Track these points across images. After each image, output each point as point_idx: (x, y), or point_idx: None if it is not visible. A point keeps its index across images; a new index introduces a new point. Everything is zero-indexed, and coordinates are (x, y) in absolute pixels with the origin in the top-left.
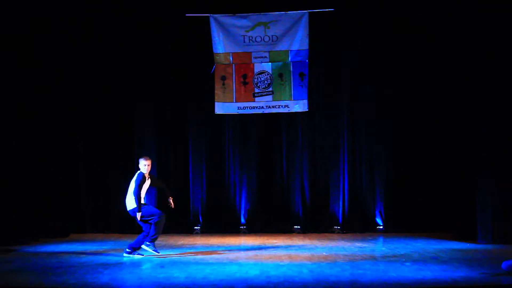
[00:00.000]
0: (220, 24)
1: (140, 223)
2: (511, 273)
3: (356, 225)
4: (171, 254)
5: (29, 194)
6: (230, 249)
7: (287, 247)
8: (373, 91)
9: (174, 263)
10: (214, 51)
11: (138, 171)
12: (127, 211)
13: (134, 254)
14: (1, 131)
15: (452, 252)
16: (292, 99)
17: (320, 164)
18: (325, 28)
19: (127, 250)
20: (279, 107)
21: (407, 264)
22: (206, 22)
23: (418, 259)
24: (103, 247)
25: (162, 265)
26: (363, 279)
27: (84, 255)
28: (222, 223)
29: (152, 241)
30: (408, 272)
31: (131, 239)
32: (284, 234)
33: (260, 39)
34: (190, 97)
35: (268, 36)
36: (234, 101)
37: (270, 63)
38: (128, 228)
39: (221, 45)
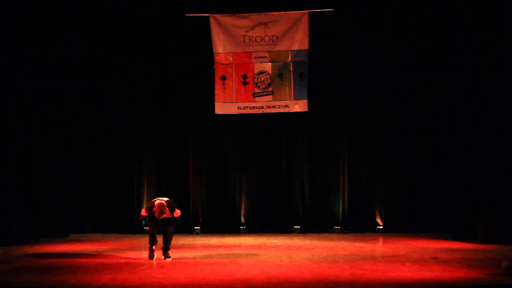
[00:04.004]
0: (220, 24)
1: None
2: (511, 274)
3: (356, 225)
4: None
5: (29, 194)
6: (230, 249)
7: (287, 247)
8: (373, 90)
9: (174, 264)
10: (214, 51)
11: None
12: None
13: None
14: (1, 131)
15: (452, 252)
16: (292, 99)
17: (320, 164)
18: (325, 28)
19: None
20: (279, 107)
21: (407, 264)
22: (206, 22)
23: (418, 259)
24: (103, 247)
25: (162, 265)
26: (363, 279)
27: (84, 255)
28: (222, 223)
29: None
30: (408, 272)
31: (131, 239)
32: (284, 234)
33: (260, 39)
34: (190, 97)
35: (268, 36)
36: (234, 101)
37: (270, 63)
38: (128, 228)
39: (221, 45)
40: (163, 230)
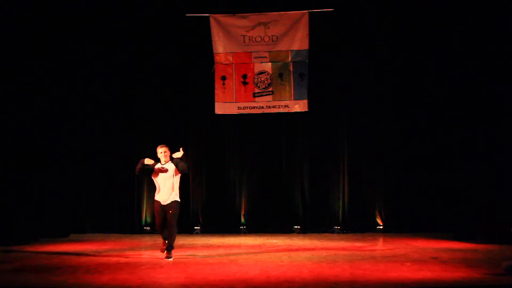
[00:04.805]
0: (220, 24)
1: None
2: (511, 274)
3: (356, 225)
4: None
5: (29, 194)
6: (230, 249)
7: (287, 247)
8: (373, 90)
9: (174, 264)
10: (214, 51)
11: None
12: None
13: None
14: (1, 132)
15: (452, 252)
16: (292, 99)
17: (320, 164)
18: (325, 28)
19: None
20: (279, 107)
21: (407, 264)
22: (206, 22)
23: (418, 259)
24: (103, 247)
25: (162, 265)
26: (363, 279)
27: (84, 255)
28: (222, 223)
29: None
30: (408, 272)
31: (131, 239)
32: (284, 234)
33: (260, 39)
34: (190, 97)
35: (268, 36)
36: (234, 101)
37: (270, 63)
38: (128, 228)
39: (221, 45)
40: (168, 225)
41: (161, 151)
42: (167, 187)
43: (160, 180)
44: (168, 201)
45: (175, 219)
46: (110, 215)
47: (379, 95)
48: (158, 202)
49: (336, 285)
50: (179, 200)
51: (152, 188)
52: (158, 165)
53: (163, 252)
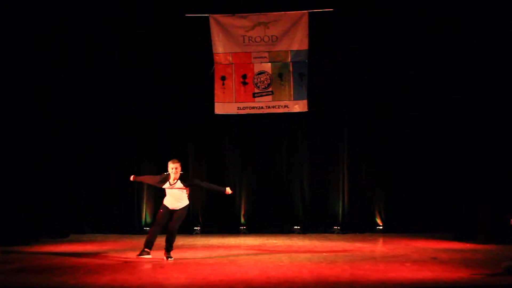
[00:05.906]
0: (220, 24)
1: None
2: (511, 274)
3: (356, 225)
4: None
5: (29, 194)
6: (230, 249)
7: (287, 248)
8: (373, 90)
9: (174, 264)
10: (214, 51)
11: None
12: None
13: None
14: (1, 131)
15: (452, 252)
16: (292, 99)
17: (320, 164)
18: (325, 28)
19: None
20: (278, 107)
21: (407, 264)
22: (206, 22)
23: (418, 259)
24: (103, 247)
25: (162, 266)
26: (363, 279)
27: (84, 255)
28: (222, 223)
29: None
30: (408, 272)
31: (131, 240)
32: (284, 234)
33: (260, 39)
34: (190, 97)
35: (268, 36)
36: (234, 101)
37: (269, 63)
38: (128, 228)
39: (221, 45)
40: (169, 227)
41: (172, 167)
42: (175, 198)
43: (168, 193)
44: (176, 208)
45: (179, 222)
46: (110, 215)
47: (379, 95)
48: (166, 206)
49: (336, 286)
50: (188, 203)
51: (152, 188)
52: (166, 185)
53: (143, 254)
